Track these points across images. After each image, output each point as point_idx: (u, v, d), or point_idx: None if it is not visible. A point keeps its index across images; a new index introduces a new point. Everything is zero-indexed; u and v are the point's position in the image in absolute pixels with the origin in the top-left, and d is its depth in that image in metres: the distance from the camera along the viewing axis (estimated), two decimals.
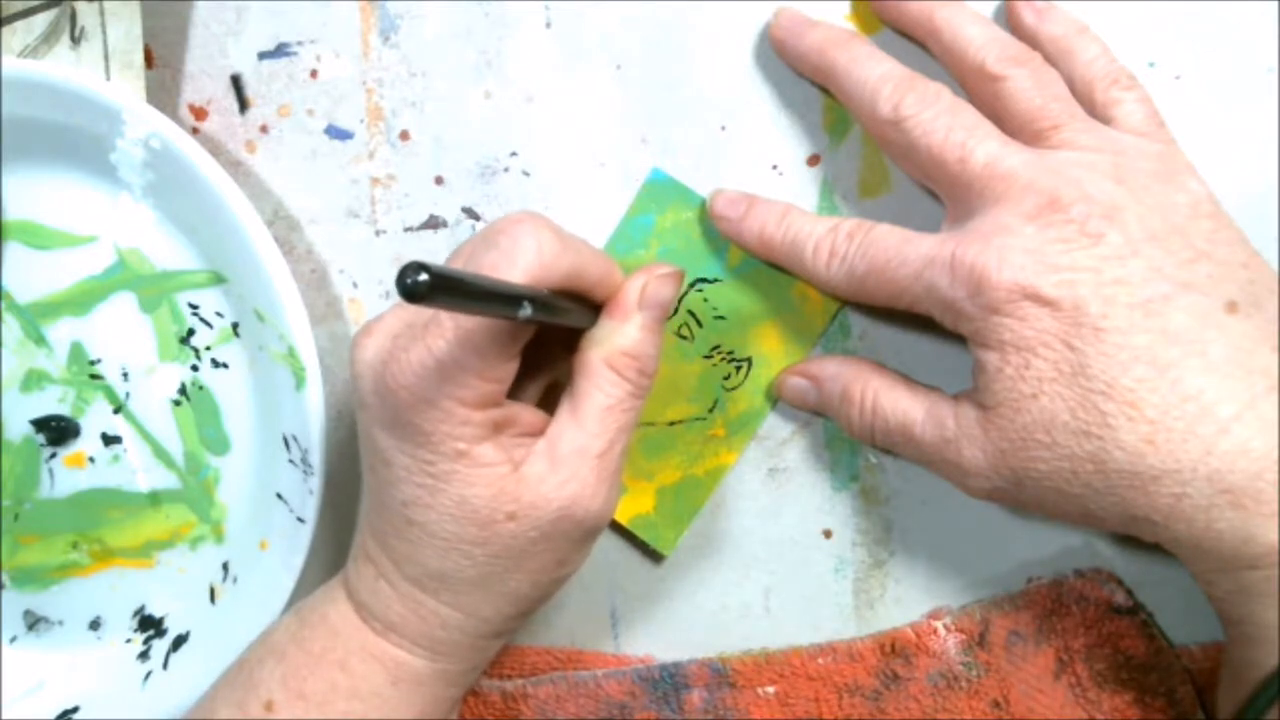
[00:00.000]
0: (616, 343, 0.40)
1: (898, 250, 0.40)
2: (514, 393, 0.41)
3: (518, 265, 0.37)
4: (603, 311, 0.41)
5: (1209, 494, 0.36)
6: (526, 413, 0.40)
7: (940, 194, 0.42)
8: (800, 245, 0.43)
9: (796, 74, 0.45)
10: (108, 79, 0.45)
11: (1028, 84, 0.40)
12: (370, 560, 0.41)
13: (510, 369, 0.38)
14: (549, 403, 0.42)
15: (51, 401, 0.49)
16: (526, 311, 0.34)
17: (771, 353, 0.46)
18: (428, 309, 0.35)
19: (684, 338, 0.46)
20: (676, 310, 0.46)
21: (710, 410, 0.46)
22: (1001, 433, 0.38)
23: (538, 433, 0.40)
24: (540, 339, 0.40)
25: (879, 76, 0.41)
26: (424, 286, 0.28)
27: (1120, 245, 0.37)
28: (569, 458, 0.39)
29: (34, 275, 0.49)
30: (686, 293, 0.46)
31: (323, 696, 0.41)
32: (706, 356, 0.46)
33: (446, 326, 0.37)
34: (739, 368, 0.46)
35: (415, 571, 0.40)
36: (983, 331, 0.38)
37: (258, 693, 0.41)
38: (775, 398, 0.46)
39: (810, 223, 0.43)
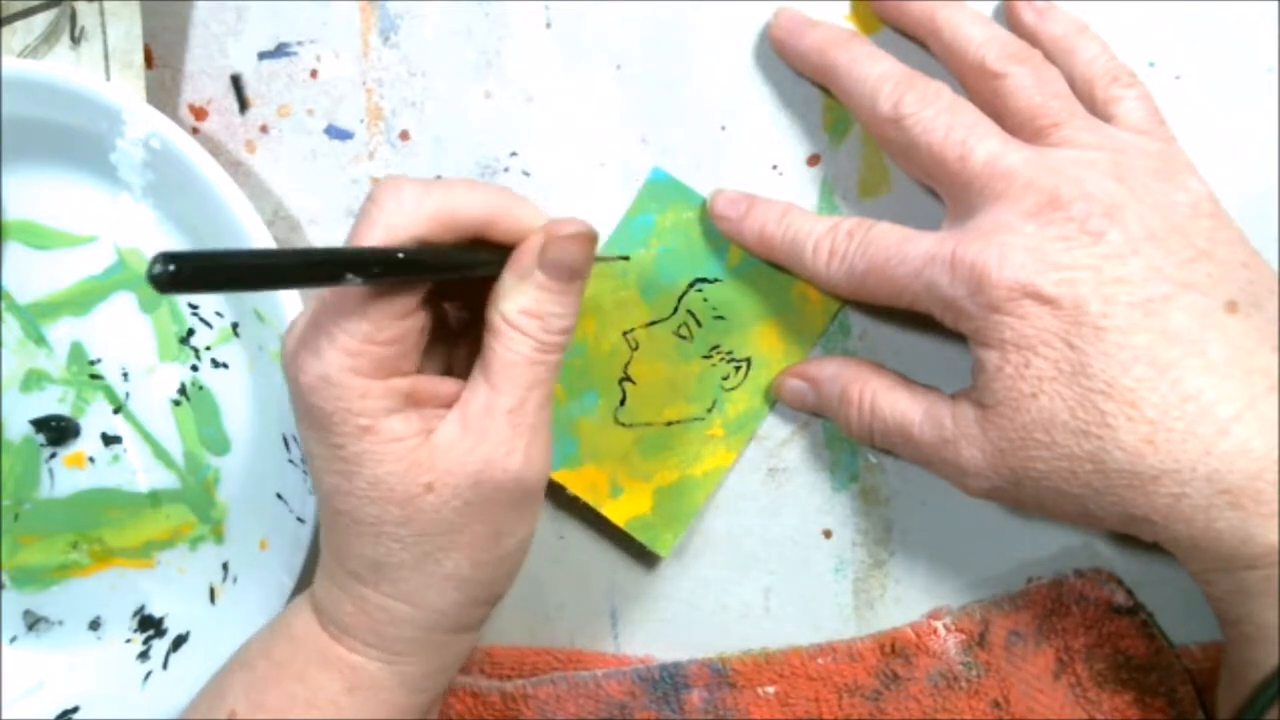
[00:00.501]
0: (516, 300, 0.38)
1: (898, 249, 0.40)
2: (454, 364, 0.41)
3: (378, 223, 0.36)
4: (506, 264, 0.39)
5: (1208, 494, 0.36)
6: (445, 384, 0.39)
7: (940, 192, 0.42)
8: (800, 244, 0.43)
9: (796, 74, 0.45)
10: (108, 79, 0.45)
11: (1028, 81, 0.40)
12: (323, 564, 0.41)
13: (406, 330, 0.37)
14: None
15: (51, 401, 0.49)
16: (355, 280, 0.33)
17: (771, 353, 0.46)
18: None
19: (683, 338, 0.46)
20: (676, 310, 0.46)
21: (709, 410, 0.46)
22: (1000, 432, 0.38)
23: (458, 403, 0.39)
24: (473, 302, 0.39)
25: (879, 75, 0.41)
26: (166, 276, 0.27)
27: (1120, 244, 0.37)
28: (478, 417, 0.38)
29: (34, 275, 0.49)
30: (686, 292, 0.46)
31: (282, 707, 0.40)
32: (705, 357, 0.46)
33: (326, 298, 0.36)
34: (738, 368, 0.46)
35: (354, 564, 0.39)
36: (983, 330, 0.38)
37: (225, 702, 0.41)
38: (774, 399, 0.46)
39: (810, 222, 0.43)
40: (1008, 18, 0.43)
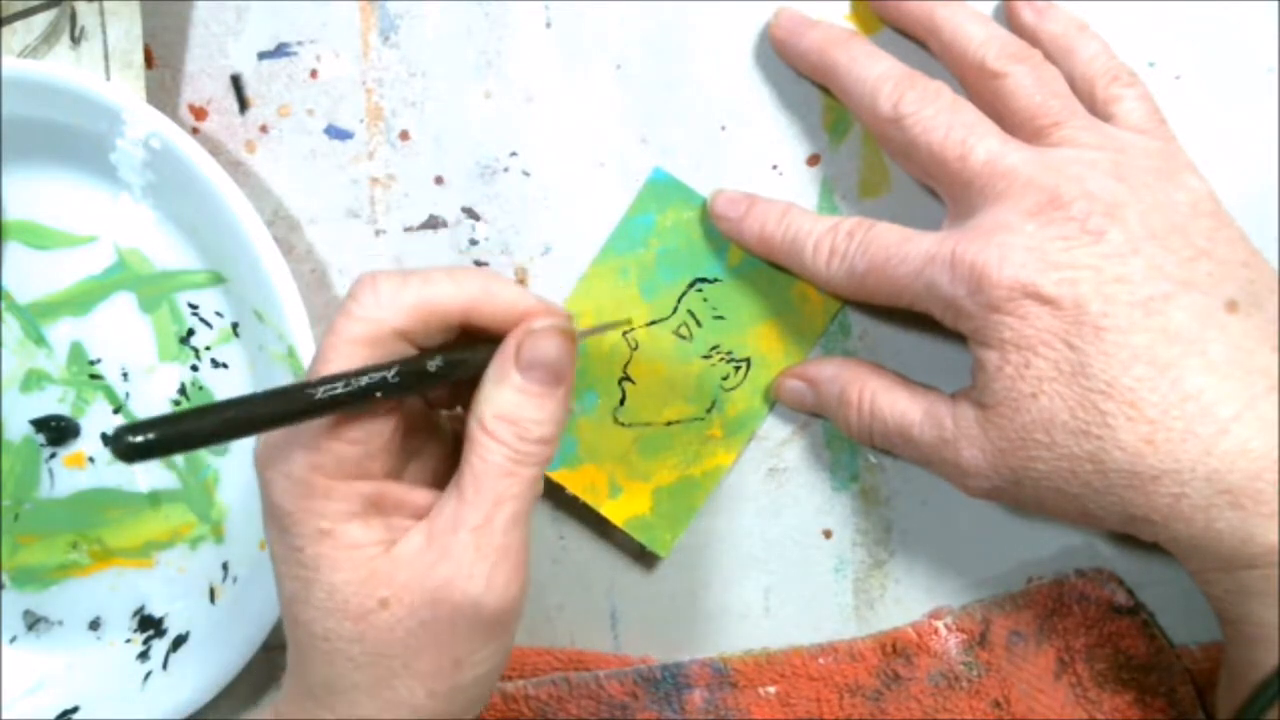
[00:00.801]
0: (493, 404, 0.36)
1: (898, 248, 0.40)
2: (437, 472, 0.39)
3: (356, 319, 0.34)
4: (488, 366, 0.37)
5: (1208, 494, 0.36)
6: (417, 493, 0.37)
7: (940, 192, 0.42)
8: (800, 244, 0.43)
9: (796, 74, 0.45)
10: (108, 79, 0.45)
11: (1028, 81, 0.40)
12: (286, 677, 0.38)
13: (377, 432, 0.35)
14: None
15: (51, 401, 0.49)
16: (320, 395, 0.32)
17: (771, 353, 0.46)
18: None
19: (683, 338, 0.46)
20: (676, 310, 0.46)
21: (708, 411, 0.46)
22: (1000, 432, 0.38)
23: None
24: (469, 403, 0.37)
25: (879, 75, 0.41)
26: (132, 449, 0.27)
27: (1121, 243, 0.37)
28: (444, 532, 0.35)
29: (34, 275, 0.49)
30: (686, 292, 0.46)
31: None
32: (705, 357, 0.46)
33: None
34: (738, 368, 0.46)
35: (310, 680, 0.36)
36: (983, 330, 0.38)
37: None
38: (774, 399, 0.46)
39: (810, 221, 0.43)
40: (1007, 17, 0.43)
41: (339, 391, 0.32)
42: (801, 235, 0.43)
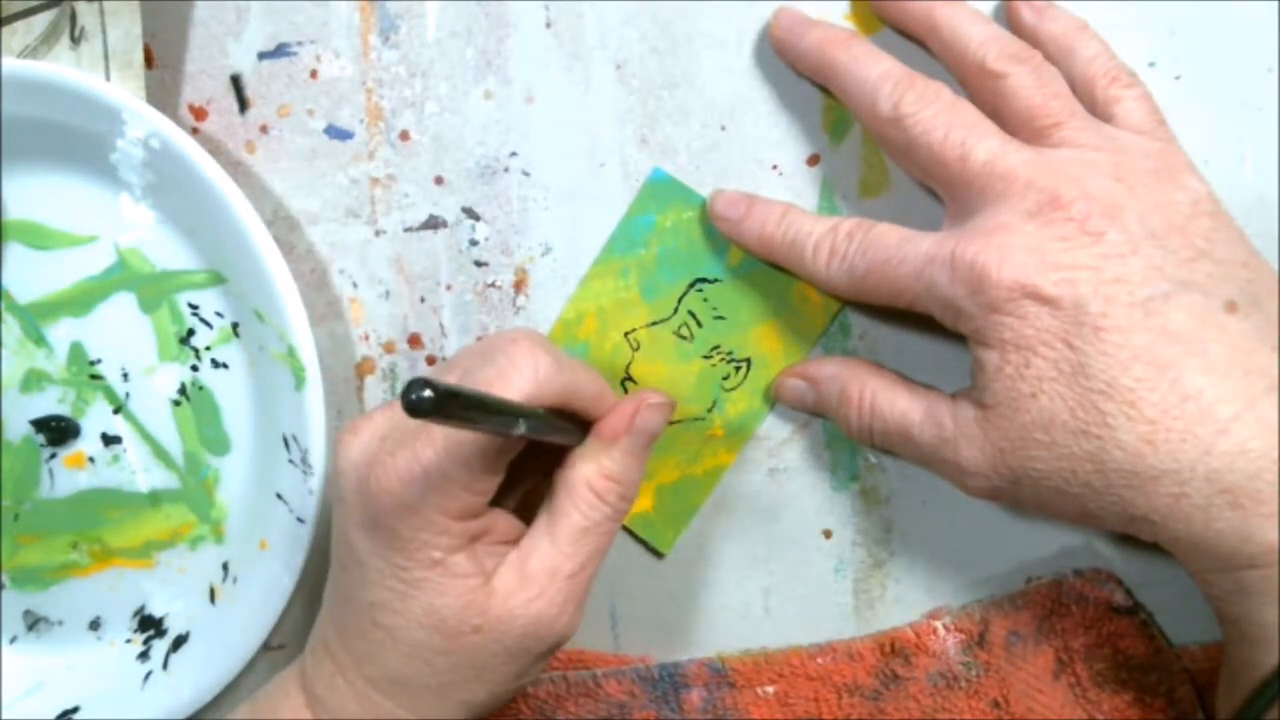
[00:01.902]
0: (602, 464, 0.40)
1: (898, 249, 0.40)
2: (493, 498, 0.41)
3: (513, 384, 0.37)
4: (591, 431, 0.41)
5: (1208, 494, 0.36)
6: (503, 520, 0.40)
7: (940, 192, 0.42)
8: (800, 245, 0.43)
9: (796, 74, 0.45)
10: (108, 79, 0.45)
11: (1028, 81, 0.40)
12: (330, 654, 0.41)
13: (494, 482, 0.38)
14: (525, 509, 0.43)
15: (51, 402, 0.49)
16: (520, 429, 0.34)
17: (771, 353, 0.46)
18: None
19: (683, 338, 0.46)
20: (676, 310, 0.46)
21: (709, 410, 0.46)
22: (1000, 432, 0.39)
23: (512, 541, 0.40)
24: (524, 448, 0.40)
25: (879, 75, 0.41)
26: (428, 403, 0.29)
27: (1120, 243, 0.37)
28: (539, 575, 0.39)
29: (34, 275, 0.49)
30: (686, 293, 0.46)
31: None
32: (706, 357, 0.46)
33: (436, 437, 0.37)
34: (738, 368, 0.46)
35: (375, 673, 0.40)
36: (982, 330, 0.38)
37: None
38: (774, 399, 0.46)
39: (810, 222, 0.43)
40: (1007, 17, 0.43)
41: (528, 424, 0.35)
42: (801, 236, 0.43)
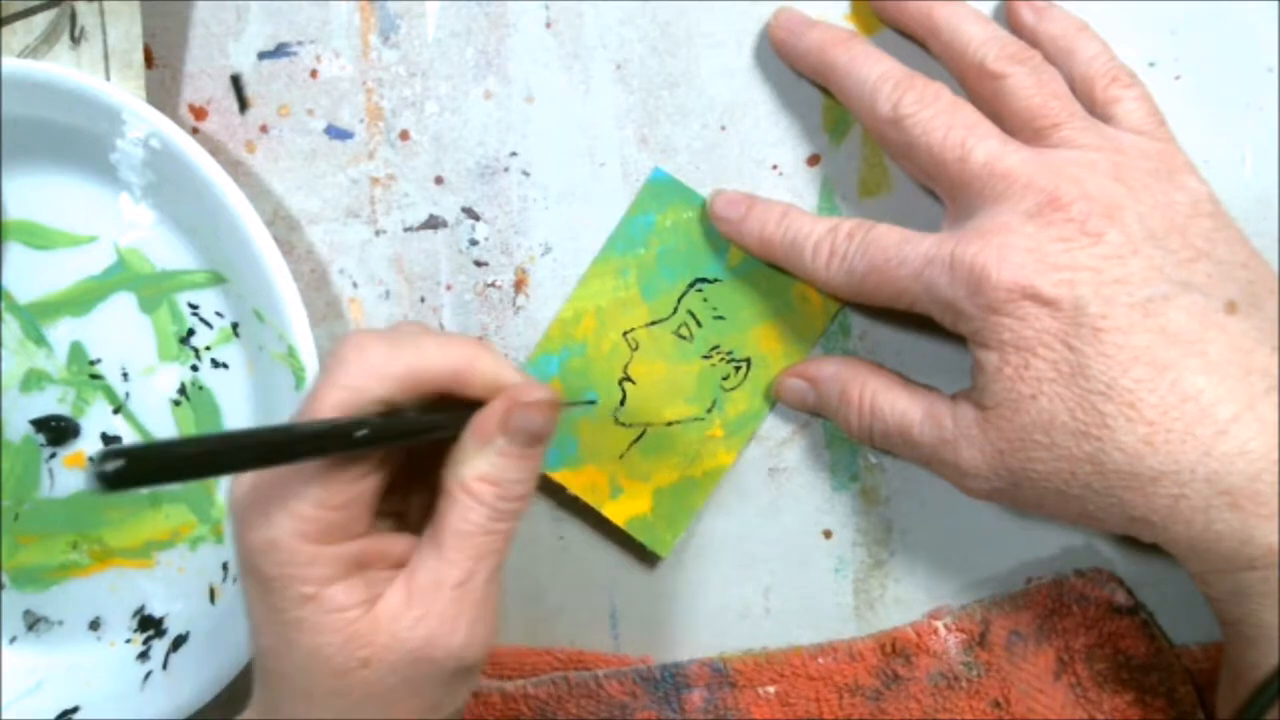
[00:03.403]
0: (475, 466, 0.36)
1: (897, 250, 0.40)
2: (400, 512, 0.39)
3: (340, 384, 0.35)
4: (466, 427, 0.37)
5: (1207, 495, 0.36)
6: (396, 543, 0.37)
7: (940, 193, 0.42)
8: (800, 245, 0.43)
9: (796, 74, 0.45)
10: (107, 79, 0.45)
11: (1028, 82, 0.40)
12: (251, 707, 0.39)
13: (361, 493, 0.35)
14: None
15: (51, 401, 0.49)
16: (313, 459, 0.32)
17: (771, 353, 0.46)
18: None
19: (683, 338, 0.46)
20: (676, 310, 0.46)
21: (708, 411, 0.46)
22: (1000, 433, 0.38)
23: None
24: (430, 455, 0.38)
25: (878, 75, 0.41)
26: (115, 476, 0.26)
27: (1120, 244, 0.37)
28: (424, 590, 0.36)
29: (34, 275, 0.49)
30: (686, 292, 0.46)
31: None
32: (705, 357, 0.46)
33: None
34: (738, 368, 0.46)
35: None
36: (982, 331, 0.38)
37: None
38: (774, 399, 0.46)
39: (810, 223, 0.43)
40: (1007, 17, 0.43)
41: (326, 438, 0.33)
42: (801, 237, 0.43)
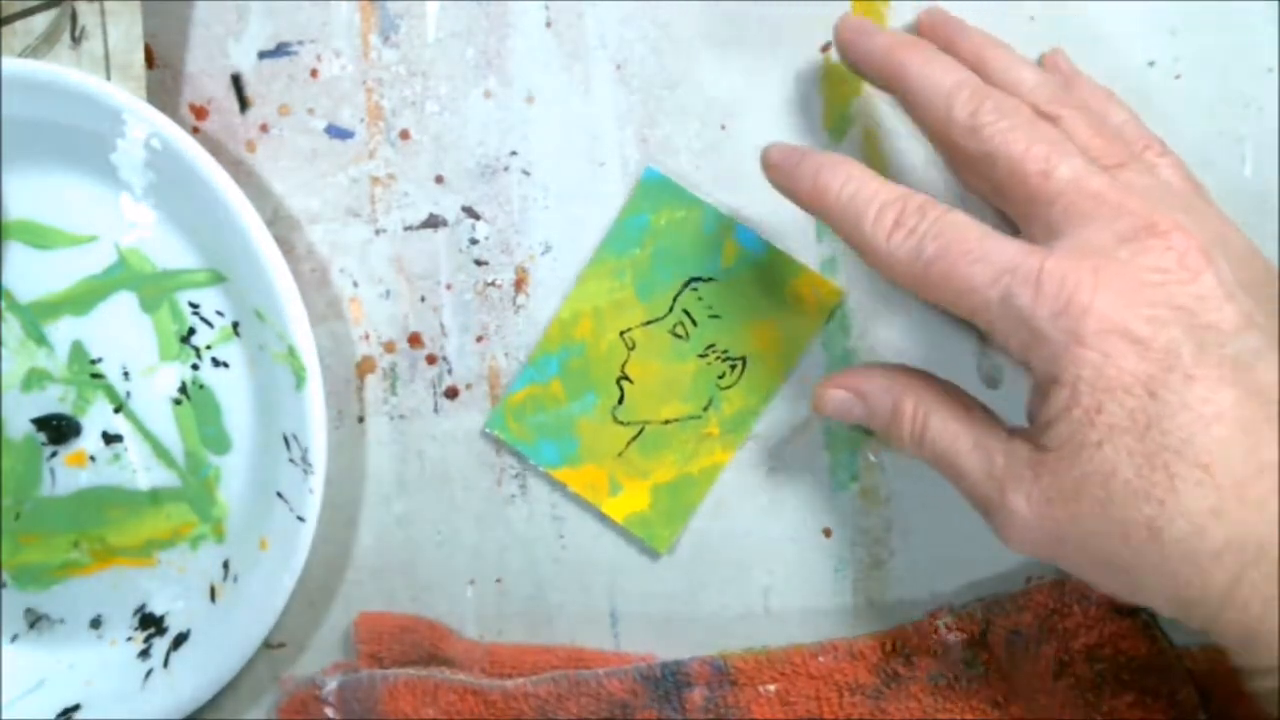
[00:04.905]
0: None
1: (978, 243, 0.36)
2: None
3: None
4: None
5: (1274, 579, 0.32)
6: None
7: (1011, 211, 0.38)
8: (860, 207, 0.38)
9: (798, 74, 0.45)
10: (108, 79, 0.45)
11: (1082, 123, 0.39)
12: None
13: None
14: None
15: (52, 400, 0.50)
16: None
17: (766, 352, 0.46)
18: None
19: (679, 336, 0.46)
20: (671, 309, 0.46)
21: (705, 409, 0.46)
22: (1054, 479, 0.35)
23: None
24: None
25: (955, 82, 0.39)
26: None
27: (1214, 286, 0.34)
28: None
29: (35, 275, 0.49)
30: (681, 292, 0.46)
31: None
32: (701, 355, 0.46)
33: None
34: (733, 367, 0.46)
35: None
36: (1059, 360, 0.34)
37: None
38: (770, 397, 0.46)
39: (876, 184, 0.38)
40: None
41: None
42: (864, 197, 0.38)
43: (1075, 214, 0.36)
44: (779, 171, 0.41)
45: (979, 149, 0.38)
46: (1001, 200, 0.39)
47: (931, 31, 0.43)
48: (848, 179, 0.39)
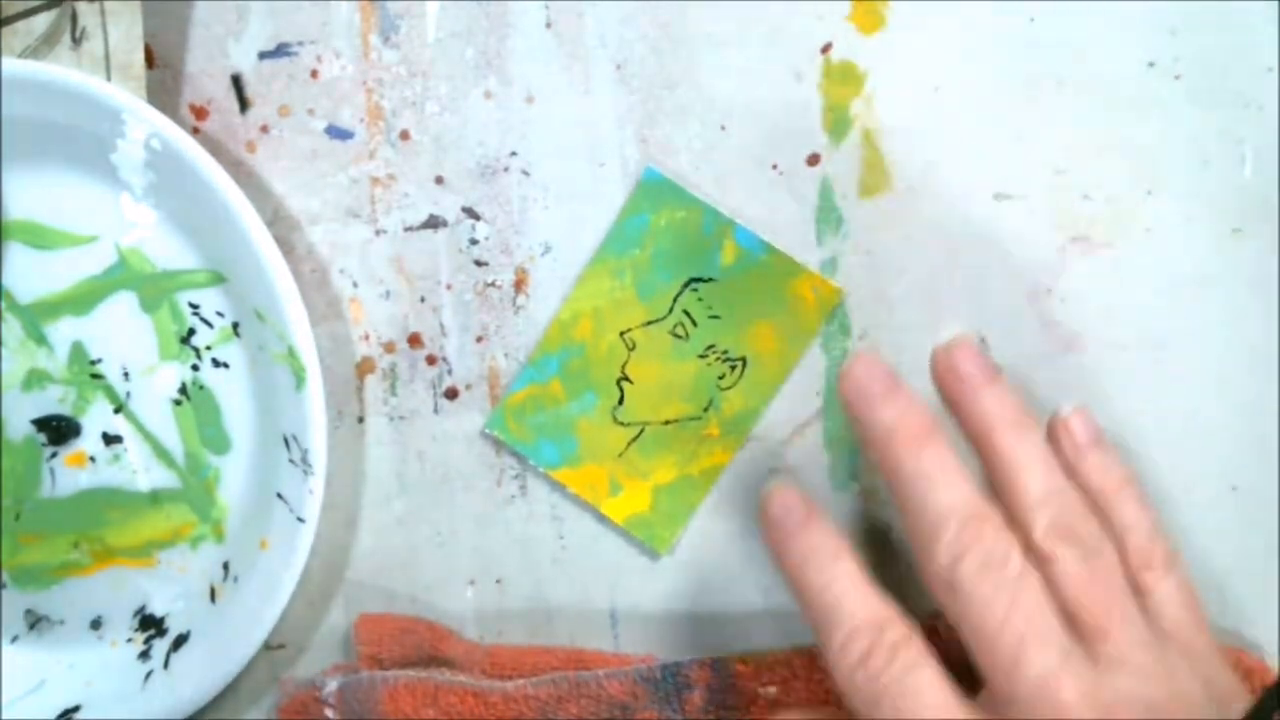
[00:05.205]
0: None
1: (933, 715, 0.35)
2: None
3: None
4: None
5: None
6: None
7: (976, 668, 0.37)
8: (835, 619, 0.37)
9: (797, 79, 0.45)
10: (108, 79, 0.45)
11: (1074, 569, 0.36)
12: None
13: None
14: None
15: (52, 401, 0.50)
16: None
17: (767, 352, 0.46)
18: None
19: (679, 337, 0.46)
20: (672, 310, 0.46)
21: (705, 410, 0.46)
22: None
23: None
24: None
25: (945, 507, 0.36)
26: None
27: None
28: None
29: (35, 275, 0.49)
30: (681, 292, 0.46)
31: None
32: (701, 356, 0.46)
33: None
34: (734, 367, 0.46)
35: None
36: None
37: None
38: (770, 397, 0.46)
39: (858, 599, 0.37)
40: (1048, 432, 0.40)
41: None
42: (843, 610, 0.37)
43: (1033, 716, 0.34)
44: (773, 531, 0.39)
45: (951, 605, 0.36)
46: (969, 651, 0.37)
47: (942, 379, 0.39)
48: (832, 582, 0.37)
